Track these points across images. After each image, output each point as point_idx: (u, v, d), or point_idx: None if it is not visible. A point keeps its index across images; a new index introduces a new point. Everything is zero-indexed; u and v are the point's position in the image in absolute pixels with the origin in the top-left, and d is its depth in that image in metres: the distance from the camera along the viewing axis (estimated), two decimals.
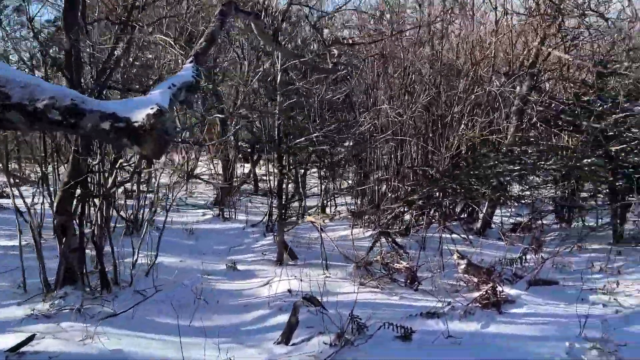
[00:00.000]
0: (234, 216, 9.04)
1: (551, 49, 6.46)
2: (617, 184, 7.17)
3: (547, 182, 8.37)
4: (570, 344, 3.93)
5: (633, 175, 6.96)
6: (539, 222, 7.96)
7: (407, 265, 5.50)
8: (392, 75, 7.24)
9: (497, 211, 8.50)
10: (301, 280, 5.51)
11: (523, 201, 8.98)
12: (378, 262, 5.70)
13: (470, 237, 7.23)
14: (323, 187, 8.60)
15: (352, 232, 7.02)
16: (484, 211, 7.45)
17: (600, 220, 7.51)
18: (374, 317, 4.46)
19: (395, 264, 5.60)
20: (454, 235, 7.02)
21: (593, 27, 6.75)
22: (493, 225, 8.09)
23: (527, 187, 8.15)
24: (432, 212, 7.33)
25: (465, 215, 8.03)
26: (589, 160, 6.34)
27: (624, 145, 6.93)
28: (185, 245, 7.34)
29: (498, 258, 6.15)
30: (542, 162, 6.46)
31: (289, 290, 5.27)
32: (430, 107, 7.62)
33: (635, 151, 7.20)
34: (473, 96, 7.06)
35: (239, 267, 6.32)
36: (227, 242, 7.58)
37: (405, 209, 7.27)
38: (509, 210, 8.88)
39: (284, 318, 4.45)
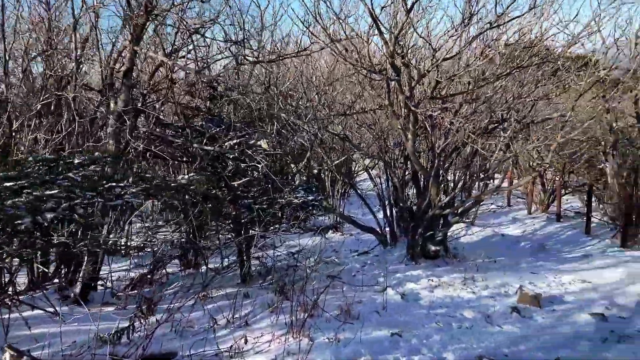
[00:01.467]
0: None
1: (149, 51, 5.22)
2: (240, 217, 6.53)
3: (169, 222, 7.12)
4: None
5: (253, 206, 6.47)
6: (163, 271, 6.57)
7: None
8: None
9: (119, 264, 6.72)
10: None
11: (149, 249, 7.44)
12: None
13: (65, 308, 5.10)
14: None
15: None
16: (83, 268, 5.47)
17: (226, 259, 6.68)
18: None
19: None
20: (37, 312, 4.79)
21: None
22: (109, 285, 6.18)
23: (145, 230, 6.67)
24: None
25: (62, 278, 5.80)
26: (191, 175, 5.26)
27: (245, 179, 6.40)
28: None
29: (100, 333, 4.32)
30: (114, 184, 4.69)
31: None
32: None
33: (254, 183, 6.80)
34: (40, 106, 5.03)
35: None
36: None
37: None
38: (131, 261, 7.18)
39: None
